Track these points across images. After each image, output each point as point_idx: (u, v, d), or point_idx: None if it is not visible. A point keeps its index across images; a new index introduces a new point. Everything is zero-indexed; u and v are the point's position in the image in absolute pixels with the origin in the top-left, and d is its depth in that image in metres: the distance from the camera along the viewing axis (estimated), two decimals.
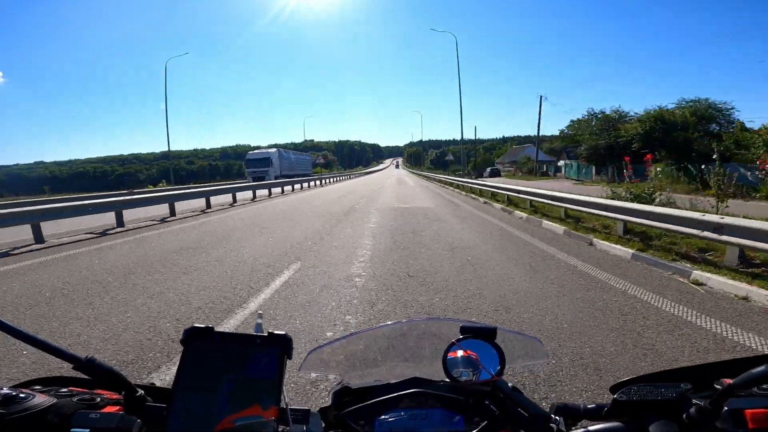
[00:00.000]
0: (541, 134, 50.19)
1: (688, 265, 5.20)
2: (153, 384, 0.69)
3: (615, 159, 27.09)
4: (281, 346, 0.56)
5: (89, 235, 9.15)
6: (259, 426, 0.52)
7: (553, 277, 4.90)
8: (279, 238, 7.90)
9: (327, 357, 0.74)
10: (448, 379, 0.64)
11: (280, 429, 0.54)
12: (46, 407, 0.53)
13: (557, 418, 0.61)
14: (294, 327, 3.46)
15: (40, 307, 4.18)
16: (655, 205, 7.72)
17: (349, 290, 4.47)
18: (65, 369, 0.59)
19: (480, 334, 0.65)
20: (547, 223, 9.14)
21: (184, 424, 0.52)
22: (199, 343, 0.56)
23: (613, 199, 8.69)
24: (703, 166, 18.31)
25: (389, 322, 0.86)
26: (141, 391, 0.58)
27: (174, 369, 1.17)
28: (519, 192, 12.80)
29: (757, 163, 16.24)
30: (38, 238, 8.48)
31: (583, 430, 0.58)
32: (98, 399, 0.59)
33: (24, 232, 8.59)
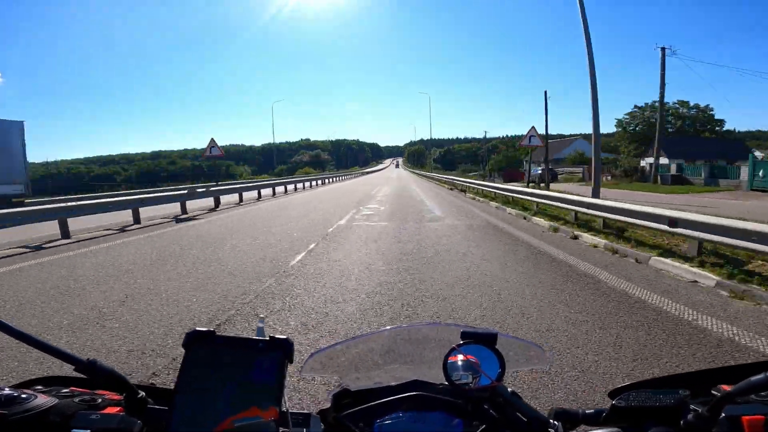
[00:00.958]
0: (565, 133, 46.95)
1: None
2: (153, 385, 0.69)
3: None
4: (283, 350, 0.57)
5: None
6: (258, 427, 0.52)
7: None
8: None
9: (327, 360, 0.75)
10: (447, 383, 0.65)
11: (279, 431, 0.54)
12: (47, 408, 0.53)
13: (556, 423, 0.61)
14: None
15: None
16: None
17: None
18: (65, 369, 0.59)
19: (481, 339, 0.66)
20: None
21: (185, 426, 0.52)
22: (202, 347, 0.57)
23: None
24: None
25: (390, 327, 0.87)
26: (142, 393, 0.58)
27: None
28: None
29: None
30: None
31: None
32: (99, 400, 0.59)
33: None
